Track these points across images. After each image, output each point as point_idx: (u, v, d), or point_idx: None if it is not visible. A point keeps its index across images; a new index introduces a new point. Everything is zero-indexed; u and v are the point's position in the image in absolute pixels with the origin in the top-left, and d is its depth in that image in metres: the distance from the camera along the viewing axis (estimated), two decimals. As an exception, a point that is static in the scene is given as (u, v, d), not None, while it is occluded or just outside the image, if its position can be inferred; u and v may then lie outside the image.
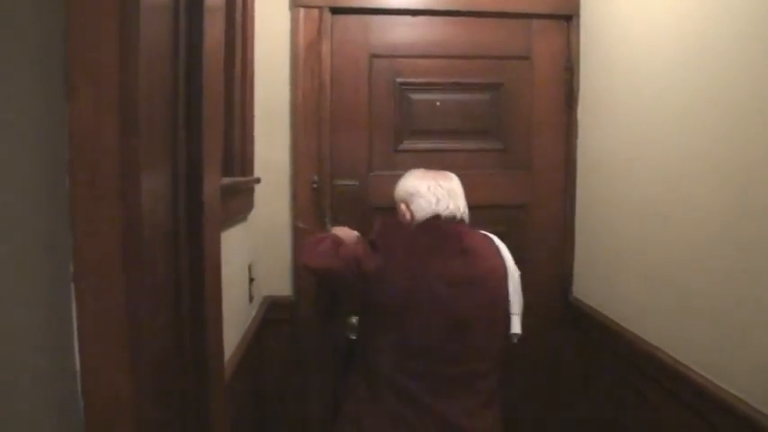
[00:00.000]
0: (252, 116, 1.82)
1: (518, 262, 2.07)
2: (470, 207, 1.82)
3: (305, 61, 1.97)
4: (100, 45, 0.51)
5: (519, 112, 2.12)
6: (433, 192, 1.57)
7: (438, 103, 2.09)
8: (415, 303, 1.42)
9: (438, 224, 1.54)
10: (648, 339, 1.57)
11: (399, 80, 2.06)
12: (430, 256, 1.47)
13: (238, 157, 1.68)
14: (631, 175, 1.70)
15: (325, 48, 1.98)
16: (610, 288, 1.85)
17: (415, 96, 2.08)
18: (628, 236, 1.72)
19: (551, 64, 2.11)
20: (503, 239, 2.11)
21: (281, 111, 2.00)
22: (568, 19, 2.09)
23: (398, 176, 2.04)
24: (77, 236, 0.52)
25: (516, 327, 1.56)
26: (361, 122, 2.05)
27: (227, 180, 1.51)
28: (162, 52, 0.65)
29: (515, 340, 1.58)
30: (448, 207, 1.56)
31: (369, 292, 1.47)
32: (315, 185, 1.99)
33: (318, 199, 2.00)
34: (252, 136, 1.82)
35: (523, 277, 2.09)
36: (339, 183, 2.03)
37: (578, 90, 2.08)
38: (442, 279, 1.44)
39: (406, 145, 2.08)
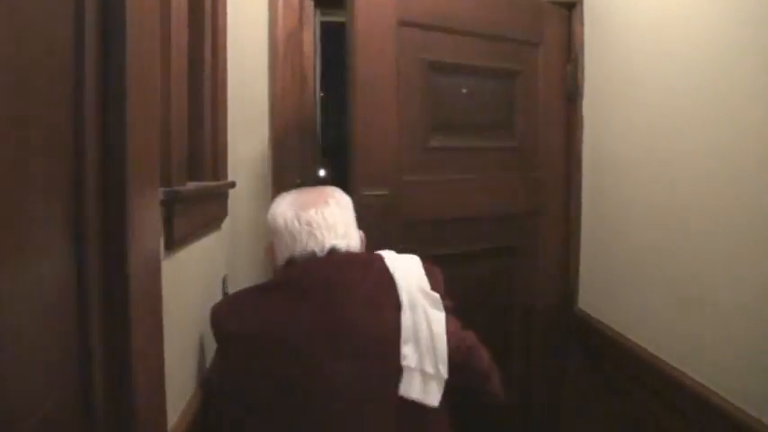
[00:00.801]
0: (224, 114, 1.63)
1: (522, 270, 1.91)
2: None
3: (284, 54, 1.79)
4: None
5: (532, 104, 1.92)
6: (290, 229, 1.20)
7: (464, 90, 1.81)
8: (279, 388, 1.05)
9: (292, 271, 1.17)
10: (663, 357, 1.42)
11: (428, 58, 1.71)
12: (288, 319, 1.09)
13: (209, 160, 1.49)
14: (641, 175, 1.55)
15: (308, 38, 1.80)
16: (619, 300, 1.69)
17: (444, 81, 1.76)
18: (639, 242, 1.56)
19: (556, 54, 1.95)
20: (512, 250, 1.91)
21: (259, 108, 1.81)
22: (571, 7, 1.94)
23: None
24: None
25: (412, 389, 1.04)
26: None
27: (192, 185, 1.33)
28: (53, 16, 0.47)
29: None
30: (306, 247, 1.18)
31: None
32: (297, 189, 1.81)
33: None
34: (225, 136, 1.64)
35: (525, 286, 1.93)
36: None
37: (583, 83, 1.91)
38: (302, 344, 1.06)
39: (436, 142, 1.77)
